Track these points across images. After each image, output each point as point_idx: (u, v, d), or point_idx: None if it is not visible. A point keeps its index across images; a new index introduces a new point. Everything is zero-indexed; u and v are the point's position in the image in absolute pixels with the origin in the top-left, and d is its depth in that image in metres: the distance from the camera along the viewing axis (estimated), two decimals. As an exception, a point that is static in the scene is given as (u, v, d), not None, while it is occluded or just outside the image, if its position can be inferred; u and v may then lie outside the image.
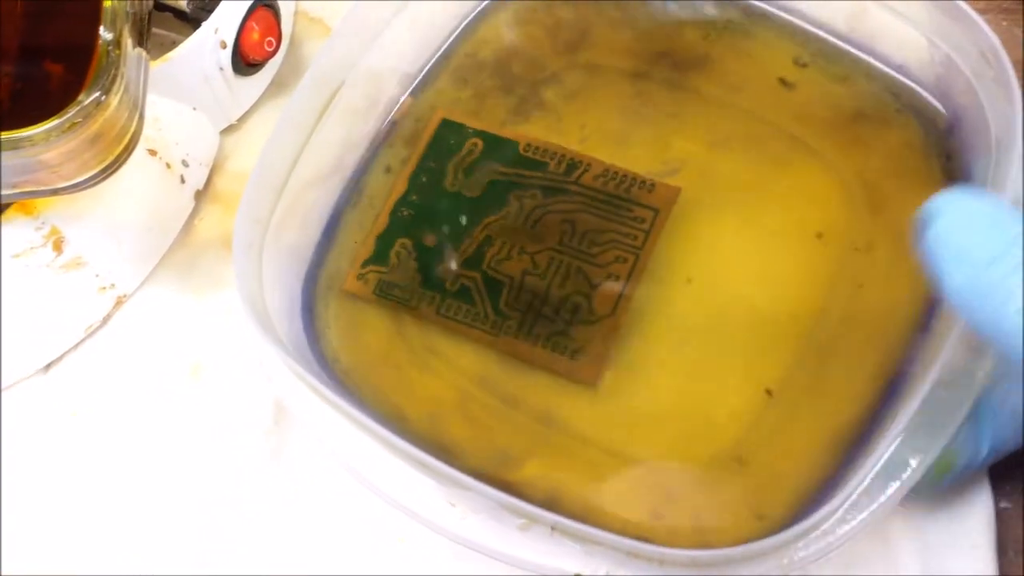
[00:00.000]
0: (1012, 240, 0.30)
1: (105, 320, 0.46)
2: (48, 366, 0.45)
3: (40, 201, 0.43)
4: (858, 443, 0.37)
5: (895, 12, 0.41)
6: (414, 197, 0.43)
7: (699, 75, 0.44)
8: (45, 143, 0.38)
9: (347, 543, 0.41)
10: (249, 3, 0.47)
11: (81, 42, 0.40)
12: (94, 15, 0.40)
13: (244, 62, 0.48)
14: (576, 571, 0.34)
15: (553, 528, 0.34)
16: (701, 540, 0.36)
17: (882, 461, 0.34)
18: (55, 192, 0.41)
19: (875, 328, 0.39)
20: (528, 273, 0.41)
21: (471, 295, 0.41)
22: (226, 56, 0.47)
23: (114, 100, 0.39)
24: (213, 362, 0.45)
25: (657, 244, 0.41)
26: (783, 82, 0.44)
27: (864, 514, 0.34)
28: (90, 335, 0.46)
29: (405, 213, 0.43)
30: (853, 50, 0.43)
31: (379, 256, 0.42)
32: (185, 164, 0.47)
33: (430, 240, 0.42)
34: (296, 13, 0.52)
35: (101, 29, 0.40)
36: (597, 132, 0.43)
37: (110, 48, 0.39)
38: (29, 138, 0.38)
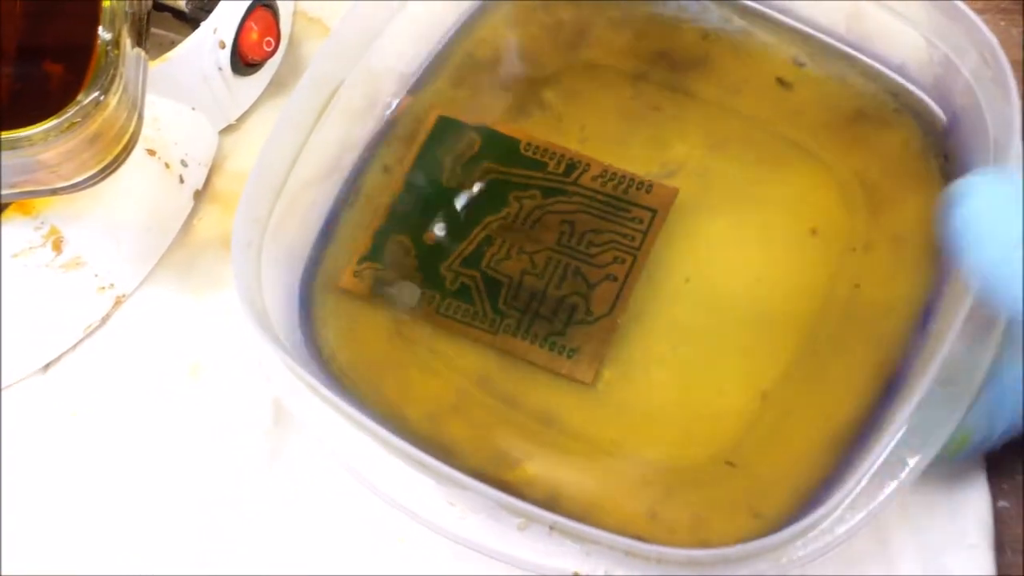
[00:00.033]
0: None
1: (104, 320, 0.46)
2: (47, 366, 0.45)
3: (39, 201, 0.43)
4: (856, 442, 0.37)
5: (893, 12, 0.41)
6: (412, 194, 0.43)
7: (698, 75, 0.44)
8: (44, 143, 0.38)
9: (347, 543, 0.41)
10: (248, 3, 0.47)
11: (80, 42, 0.40)
12: (93, 15, 0.40)
13: (243, 62, 0.48)
14: (574, 570, 0.34)
15: (551, 527, 0.34)
16: (699, 539, 0.36)
17: (880, 461, 0.34)
18: (54, 192, 0.41)
19: (873, 328, 0.39)
20: (527, 273, 0.41)
21: (470, 294, 0.41)
22: (225, 56, 0.47)
23: (113, 100, 0.39)
24: (212, 362, 0.45)
25: (655, 245, 0.41)
26: (781, 82, 0.44)
27: (862, 513, 0.34)
28: (89, 335, 0.46)
29: (403, 210, 0.43)
30: (851, 50, 0.43)
31: (376, 253, 0.42)
32: (184, 164, 0.47)
33: (429, 238, 0.42)
34: (295, 13, 0.52)
35: (100, 29, 0.40)
36: (597, 133, 0.44)
37: (109, 48, 0.39)
38: (28, 138, 0.38)
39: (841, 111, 0.43)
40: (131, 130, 0.41)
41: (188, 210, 0.48)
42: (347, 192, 0.43)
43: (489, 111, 0.44)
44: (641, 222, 0.42)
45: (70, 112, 0.38)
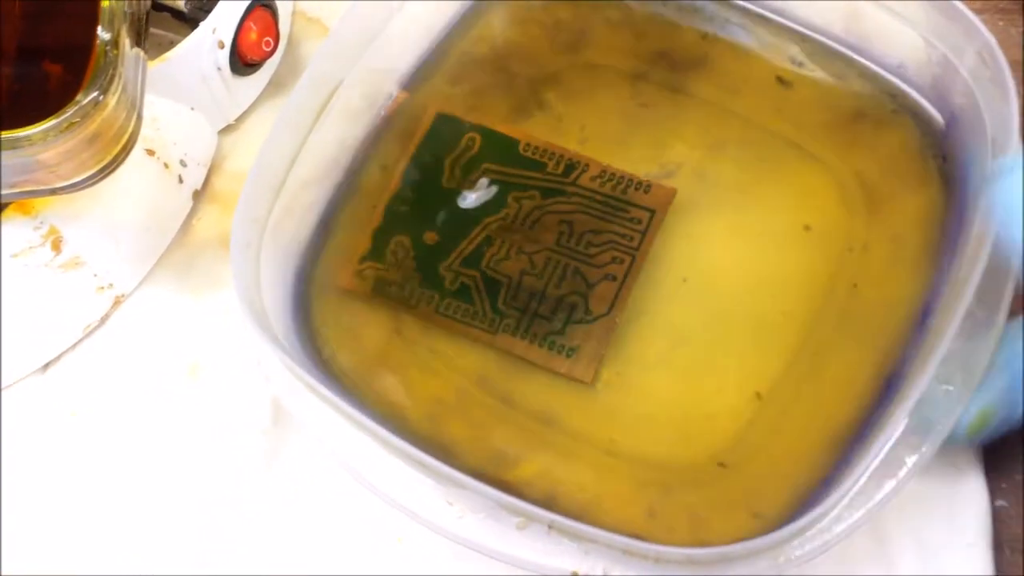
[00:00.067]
0: None
1: (103, 320, 0.46)
2: (46, 366, 0.45)
3: (38, 201, 0.43)
4: (854, 441, 0.37)
5: (892, 12, 0.41)
6: (410, 193, 0.43)
7: (697, 75, 0.44)
8: (43, 143, 0.38)
9: (346, 543, 0.41)
10: (247, 3, 0.47)
11: (79, 42, 0.40)
12: (92, 15, 0.40)
13: (242, 62, 0.48)
14: (573, 569, 0.34)
15: (550, 527, 0.34)
16: (698, 539, 0.36)
17: (878, 460, 0.34)
18: (53, 192, 0.41)
19: (871, 327, 0.39)
20: (526, 273, 0.41)
21: (470, 294, 0.41)
22: (224, 56, 0.47)
23: (112, 100, 0.39)
24: (211, 362, 0.45)
25: (653, 245, 0.41)
26: (780, 80, 0.44)
27: (860, 512, 0.34)
28: (88, 335, 0.46)
29: (402, 210, 0.43)
30: (850, 51, 0.43)
31: (376, 253, 0.42)
32: (183, 164, 0.47)
33: (429, 238, 0.42)
34: (294, 13, 0.52)
35: (99, 29, 0.40)
36: (596, 133, 0.44)
37: (108, 48, 0.39)
38: (27, 138, 0.38)
39: (840, 111, 0.43)
40: (130, 130, 0.41)
41: (187, 210, 0.48)
42: (346, 192, 0.43)
43: (489, 111, 0.44)
44: (640, 222, 0.42)
45: (69, 112, 0.38)
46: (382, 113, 0.45)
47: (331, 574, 0.41)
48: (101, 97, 0.39)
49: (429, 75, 0.45)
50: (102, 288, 0.46)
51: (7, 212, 0.43)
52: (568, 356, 0.40)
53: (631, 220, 0.42)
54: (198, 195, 0.48)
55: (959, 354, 0.34)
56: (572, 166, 0.43)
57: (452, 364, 0.40)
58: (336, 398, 0.36)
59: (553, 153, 0.43)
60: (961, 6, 0.39)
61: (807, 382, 0.39)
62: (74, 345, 0.46)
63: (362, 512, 0.41)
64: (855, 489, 0.34)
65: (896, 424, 0.34)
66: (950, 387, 0.35)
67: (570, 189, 0.42)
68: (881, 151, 0.42)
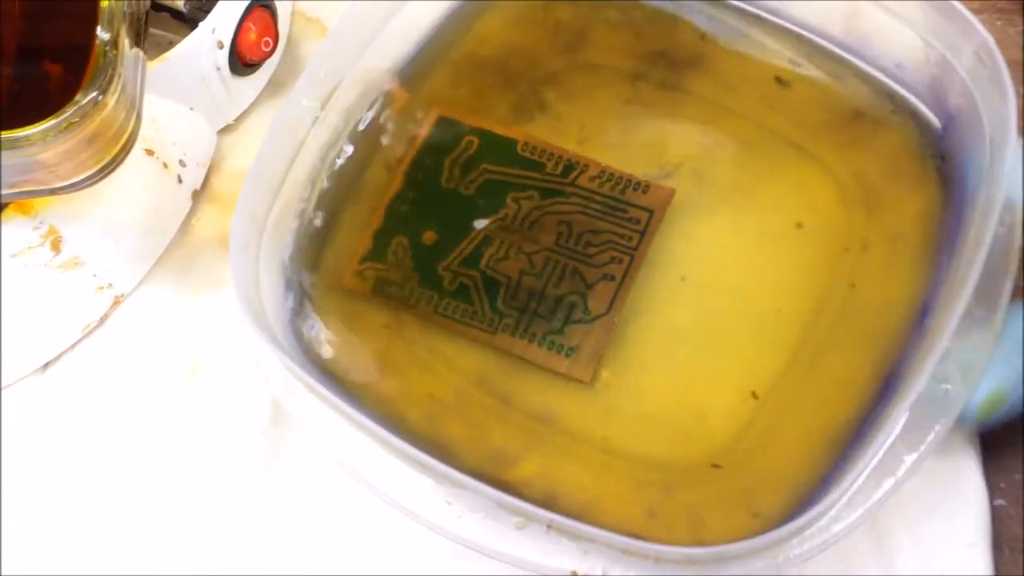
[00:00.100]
0: None
1: (103, 320, 0.46)
2: (46, 366, 0.45)
3: (38, 201, 0.43)
4: (853, 440, 0.37)
5: (890, 12, 0.41)
6: (411, 194, 0.43)
7: (695, 75, 0.44)
8: (43, 143, 0.38)
9: (345, 543, 0.41)
10: (246, 3, 0.47)
11: (79, 42, 0.40)
12: (91, 15, 0.40)
13: (241, 62, 0.48)
14: (572, 569, 0.34)
15: (549, 526, 0.34)
16: (697, 538, 0.36)
17: (877, 458, 0.34)
18: (53, 192, 0.41)
19: (870, 326, 0.39)
20: (525, 273, 0.41)
21: (469, 294, 0.41)
22: (223, 56, 0.47)
23: (111, 100, 0.39)
24: (210, 362, 0.45)
25: (652, 245, 0.41)
26: (779, 80, 0.44)
27: (859, 511, 0.34)
28: (88, 335, 0.46)
29: (402, 210, 0.43)
30: (848, 51, 0.43)
31: (377, 253, 0.42)
32: (182, 164, 0.47)
33: (428, 238, 0.42)
34: (293, 13, 0.52)
35: (98, 29, 0.40)
36: (596, 133, 0.44)
37: (107, 48, 0.39)
38: (27, 138, 0.38)
39: (838, 111, 0.43)
40: (129, 130, 0.41)
41: (186, 210, 0.48)
42: (346, 192, 0.43)
43: (489, 111, 0.44)
44: (638, 222, 0.42)
45: (68, 112, 0.38)
46: (383, 114, 0.45)
47: (331, 574, 0.41)
48: (100, 97, 0.39)
49: (429, 75, 0.45)
50: (101, 288, 0.46)
51: (6, 212, 0.43)
52: (567, 356, 0.40)
53: (630, 220, 0.42)
54: (197, 195, 0.48)
55: (957, 353, 0.34)
56: (571, 166, 0.43)
57: (451, 364, 0.40)
58: (335, 398, 0.36)
59: (552, 153, 0.43)
60: (959, 6, 0.39)
61: (806, 381, 0.39)
62: (73, 345, 0.46)
63: (361, 512, 0.41)
64: (854, 488, 0.34)
65: (895, 423, 0.34)
66: (948, 386, 0.35)
67: (569, 189, 0.42)
68: (880, 151, 0.42)
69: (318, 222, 0.43)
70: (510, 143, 0.43)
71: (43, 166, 0.39)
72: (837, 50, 0.44)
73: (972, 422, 0.37)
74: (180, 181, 0.47)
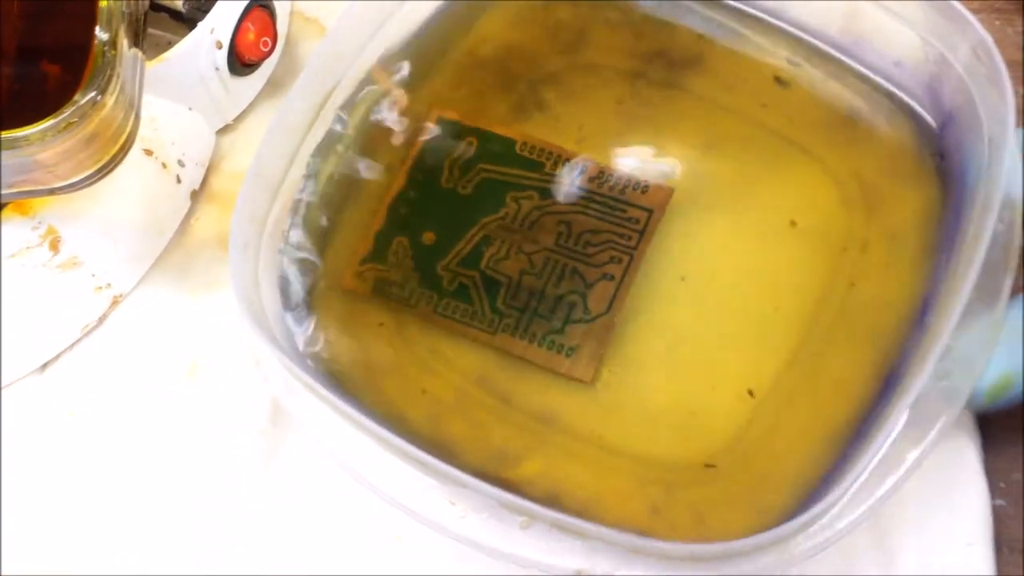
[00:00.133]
0: None
1: (101, 320, 0.46)
2: (45, 366, 0.45)
3: (37, 201, 0.43)
4: (856, 437, 0.37)
5: (889, 11, 0.41)
6: (411, 195, 0.43)
7: (694, 74, 0.44)
8: (41, 143, 0.38)
9: (344, 543, 0.41)
10: (245, 3, 0.47)
11: (77, 42, 0.40)
12: (90, 15, 0.40)
13: (240, 62, 0.48)
14: (577, 568, 0.34)
15: (554, 525, 0.34)
16: (701, 536, 0.36)
17: (880, 455, 0.34)
18: (52, 192, 0.41)
19: (870, 325, 0.39)
20: (525, 272, 0.41)
21: (469, 294, 0.41)
22: (222, 56, 0.47)
23: (110, 100, 0.39)
24: (209, 362, 0.45)
25: (651, 244, 0.41)
26: (778, 80, 0.44)
27: (864, 507, 0.34)
28: (86, 335, 0.46)
29: (403, 211, 0.43)
30: (847, 50, 0.43)
31: (377, 254, 0.42)
32: (181, 164, 0.47)
33: (428, 238, 0.42)
34: (292, 13, 0.52)
35: (97, 29, 0.39)
36: (595, 132, 0.44)
37: (106, 48, 0.39)
38: (25, 138, 0.38)
39: (837, 110, 0.43)
40: (128, 130, 0.41)
41: (185, 210, 0.48)
42: (346, 193, 0.43)
43: (489, 111, 0.44)
44: (637, 222, 0.42)
45: (67, 112, 0.38)
46: (381, 113, 0.45)
47: (330, 574, 0.41)
48: (99, 97, 0.39)
49: (428, 75, 0.45)
50: (100, 288, 0.46)
51: (5, 212, 0.43)
52: (568, 355, 0.40)
53: (629, 220, 0.42)
54: (196, 195, 0.48)
55: (959, 348, 0.35)
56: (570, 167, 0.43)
57: (452, 364, 0.40)
58: (336, 398, 0.36)
59: (551, 153, 0.43)
60: (956, 4, 0.39)
61: (807, 380, 0.39)
62: (72, 345, 0.46)
63: (360, 512, 0.41)
64: (859, 483, 0.34)
65: (898, 419, 0.34)
66: (950, 381, 0.35)
67: (568, 188, 0.42)
68: (879, 149, 0.42)
69: (319, 223, 0.43)
70: (508, 143, 0.44)
71: (42, 166, 0.39)
72: (835, 50, 0.44)
73: (982, 405, 0.37)
74: (179, 181, 0.47)
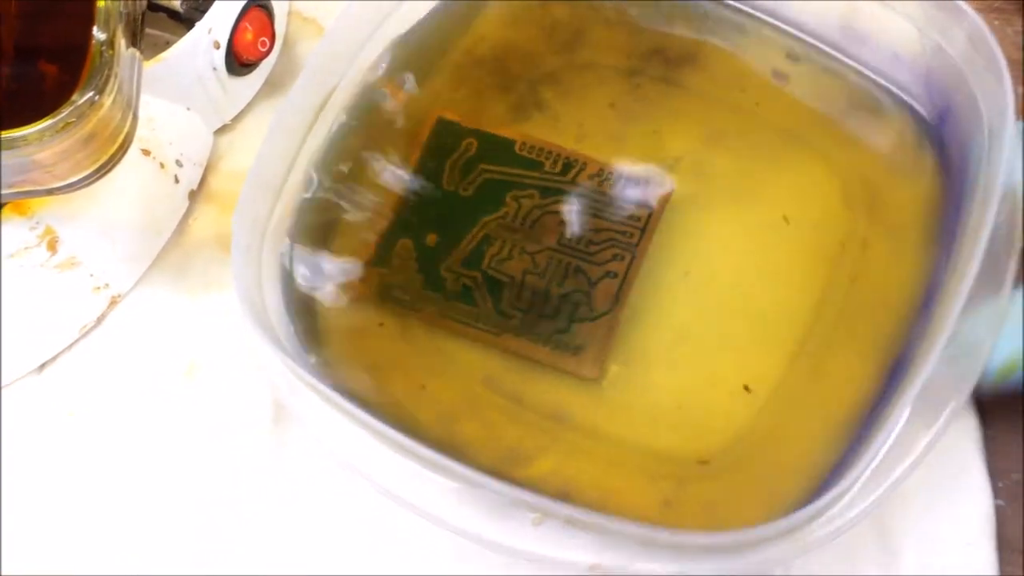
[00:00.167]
0: None
1: (99, 320, 0.46)
2: (43, 366, 0.45)
3: (35, 201, 0.43)
4: (865, 426, 0.37)
5: (885, 4, 0.41)
6: (414, 196, 0.43)
7: (692, 70, 0.44)
8: (39, 143, 0.38)
9: (346, 543, 0.41)
10: (243, 3, 0.47)
11: (75, 42, 0.40)
12: (88, 15, 0.40)
13: (238, 62, 0.48)
14: (592, 563, 0.34)
15: (567, 520, 0.34)
16: (714, 528, 0.36)
17: (890, 441, 0.34)
18: (50, 192, 0.41)
19: (875, 315, 0.39)
20: (528, 272, 0.41)
21: (472, 296, 0.41)
22: (220, 56, 0.47)
23: (108, 100, 0.39)
24: (208, 362, 0.45)
25: (653, 240, 0.41)
26: (776, 74, 0.44)
27: (875, 495, 0.34)
28: (84, 335, 0.46)
29: (405, 213, 0.43)
30: (845, 43, 0.44)
31: (380, 257, 0.42)
32: (179, 164, 0.47)
33: (430, 241, 0.42)
34: (290, 13, 0.52)
35: (95, 29, 0.39)
36: (594, 131, 0.44)
37: (104, 48, 0.39)
38: (23, 138, 0.38)
39: (836, 103, 0.43)
40: (126, 130, 0.41)
41: (183, 210, 0.48)
42: (347, 193, 0.43)
43: (488, 112, 0.44)
44: (639, 219, 0.42)
45: (65, 112, 0.38)
46: (381, 115, 0.45)
47: (331, 574, 0.41)
48: (97, 97, 0.39)
49: (427, 76, 0.45)
50: (98, 288, 0.45)
51: (3, 212, 0.43)
52: (574, 354, 0.40)
53: (630, 217, 0.42)
54: (194, 195, 0.48)
55: (965, 333, 0.35)
56: (570, 164, 0.43)
57: (459, 365, 0.40)
58: (346, 403, 0.35)
59: (550, 152, 0.43)
60: (953, -4, 0.39)
61: (814, 371, 0.39)
62: (70, 345, 0.46)
63: (361, 512, 0.41)
64: (869, 471, 0.34)
65: (905, 406, 0.34)
66: (957, 367, 0.35)
67: (569, 187, 0.42)
68: (878, 142, 0.42)
69: (320, 224, 0.43)
70: (508, 143, 0.44)
71: (40, 166, 0.39)
72: (833, 43, 0.44)
73: (991, 387, 0.37)
74: (177, 181, 0.47)
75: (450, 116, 0.44)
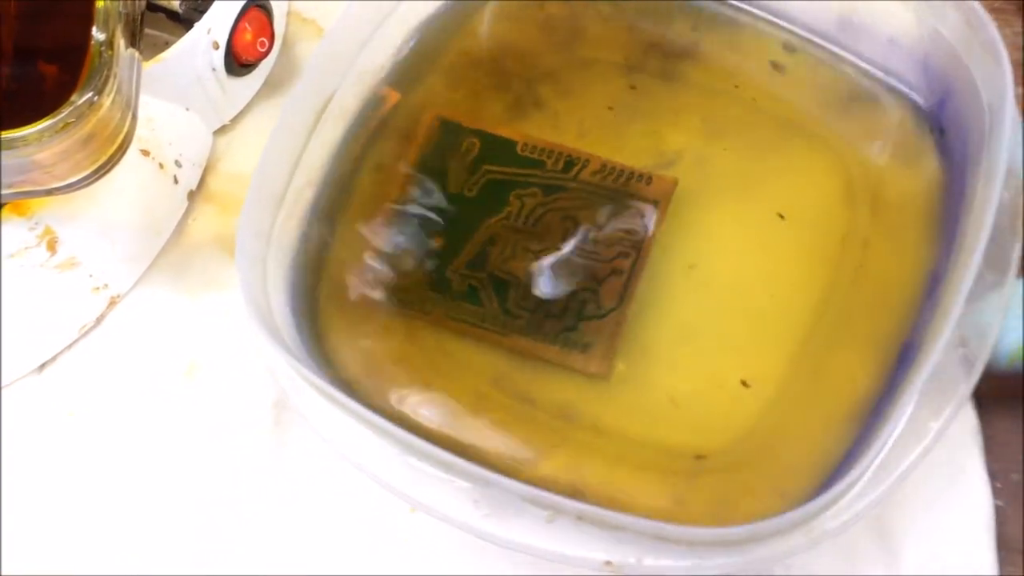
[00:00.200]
0: None
1: (99, 320, 0.46)
2: (42, 366, 0.45)
3: (34, 201, 0.43)
4: (874, 414, 0.37)
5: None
6: (416, 198, 0.43)
7: (690, 64, 0.45)
8: (38, 143, 0.38)
9: (347, 543, 0.41)
10: (242, 4, 0.47)
11: (74, 43, 0.40)
12: (87, 16, 0.40)
13: (237, 63, 0.48)
14: (605, 560, 0.34)
15: (579, 517, 0.34)
16: (727, 522, 0.36)
17: (900, 428, 0.34)
18: (49, 192, 0.41)
19: (881, 302, 0.39)
20: (534, 272, 0.41)
21: (478, 296, 0.41)
22: (219, 57, 0.47)
23: (107, 100, 0.39)
24: (208, 362, 0.45)
25: (658, 235, 0.41)
26: (774, 65, 0.44)
27: (887, 482, 0.34)
28: (84, 335, 0.46)
29: (408, 214, 0.43)
30: (842, 31, 0.44)
31: (385, 259, 0.42)
32: (178, 164, 0.47)
33: (436, 242, 0.42)
34: (289, 14, 0.52)
35: (94, 30, 0.39)
36: (595, 128, 0.44)
37: (103, 49, 0.39)
38: (23, 138, 0.38)
39: (835, 92, 0.43)
40: (125, 130, 0.41)
41: (182, 210, 0.48)
42: (350, 198, 0.43)
43: (487, 111, 0.44)
44: (643, 215, 0.42)
45: (64, 112, 0.38)
46: (380, 115, 0.44)
47: (332, 574, 0.41)
48: (96, 98, 0.39)
49: (426, 76, 0.45)
50: (97, 288, 0.45)
51: (3, 213, 0.43)
52: (582, 352, 0.40)
53: (635, 213, 0.42)
54: (193, 195, 0.48)
55: (972, 316, 0.34)
56: (572, 162, 0.43)
57: (467, 366, 0.40)
58: (356, 405, 0.35)
59: (551, 151, 0.43)
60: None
61: (821, 361, 0.39)
62: (70, 345, 0.46)
63: (362, 512, 0.41)
64: (880, 459, 0.34)
65: (914, 393, 0.34)
66: (966, 349, 0.35)
67: (571, 185, 0.42)
68: (878, 129, 0.42)
69: (321, 226, 0.42)
70: (509, 143, 0.43)
71: (39, 167, 0.39)
72: (830, 32, 0.44)
73: (1005, 366, 0.37)
74: (176, 181, 0.47)
75: (449, 116, 0.44)
